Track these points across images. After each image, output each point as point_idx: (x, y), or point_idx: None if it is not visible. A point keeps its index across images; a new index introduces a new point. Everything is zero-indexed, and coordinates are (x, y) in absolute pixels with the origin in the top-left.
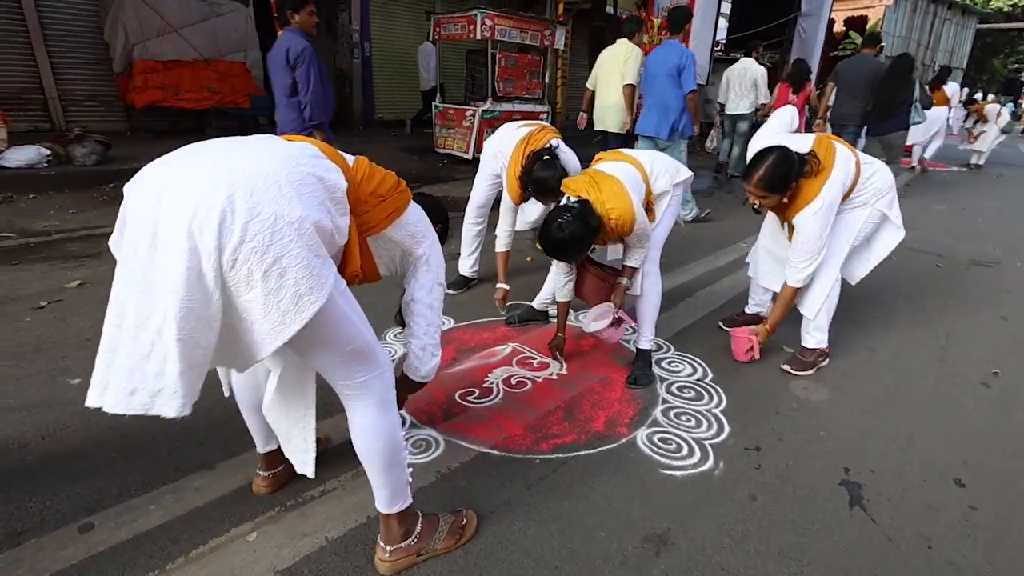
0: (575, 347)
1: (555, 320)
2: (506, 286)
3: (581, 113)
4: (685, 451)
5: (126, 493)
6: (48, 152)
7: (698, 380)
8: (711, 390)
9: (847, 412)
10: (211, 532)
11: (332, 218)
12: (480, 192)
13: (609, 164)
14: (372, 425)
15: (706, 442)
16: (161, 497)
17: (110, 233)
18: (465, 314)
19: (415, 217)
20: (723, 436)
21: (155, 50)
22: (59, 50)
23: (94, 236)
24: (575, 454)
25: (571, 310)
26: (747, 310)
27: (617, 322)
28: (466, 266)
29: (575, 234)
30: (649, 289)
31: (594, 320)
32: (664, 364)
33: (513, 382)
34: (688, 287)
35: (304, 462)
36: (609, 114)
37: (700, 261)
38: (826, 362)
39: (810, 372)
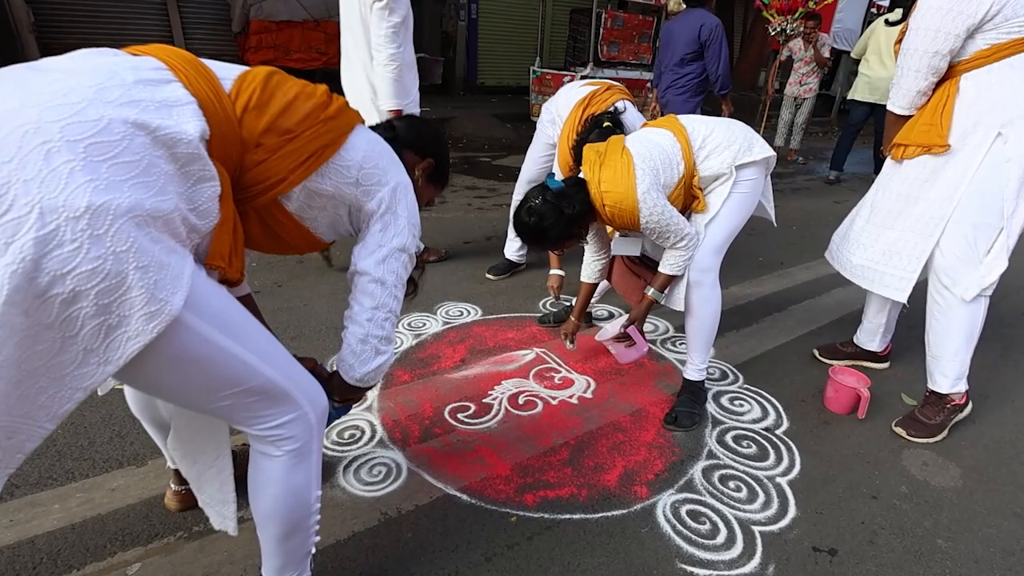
0: (612, 361)
1: (598, 325)
2: (561, 272)
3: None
4: (723, 537)
5: (43, 482)
6: None
7: (766, 429)
8: (782, 447)
9: (989, 512)
10: (94, 554)
11: (176, 195)
12: (532, 164)
13: (641, 134)
14: (277, 485)
15: (757, 528)
16: (72, 495)
17: None
18: (496, 305)
19: (359, 155)
20: (784, 522)
21: (269, 10)
22: (189, 11)
23: None
24: (566, 516)
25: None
26: (857, 340)
27: (624, 338)
28: (512, 249)
29: (544, 221)
30: (699, 305)
31: (606, 332)
32: (724, 400)
33: (521, 401)
34: (783, 298)
35: (223, 516)
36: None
37: (808, 264)
38: (963, 415)
39: (937, 439)
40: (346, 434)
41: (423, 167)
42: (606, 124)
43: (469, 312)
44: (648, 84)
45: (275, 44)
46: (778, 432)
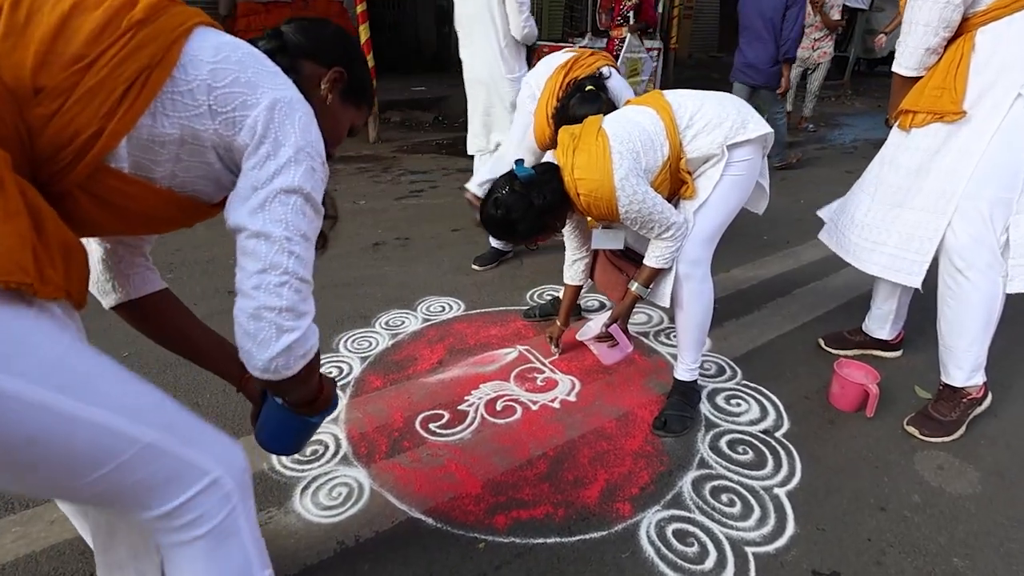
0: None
1: (587, 317)
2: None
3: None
4: (711, 561)
5: None
6: None
7: (764, 432)
8: (781, 453)
9: (1012, 523)
10: None
11: None
12: (517, 143)
13: (619, 113)
14: None
15: (750, 549)
16: (8, 529)
17: None
18: (481, 299)
19: (205, 69)
20: (782, 541)
21: None
22: None
23: None
24: (540, 541)
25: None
26: (866, 327)
27: (606, 337)
28: None
29: (512, 213)
30: (689, 300)
31: (588, 331)
32: (720, 399)
33: (499, 407)
34: (787, 280)
35: None
36: None
37: (816, 242)
38: (981, 408)
39: (953, 437)
40: (308, 451)
41: (330, 79)
42: (589, 88)
43: (451, 307)
44: (650, 54)
45: (264, 27)
46: (778, 435)
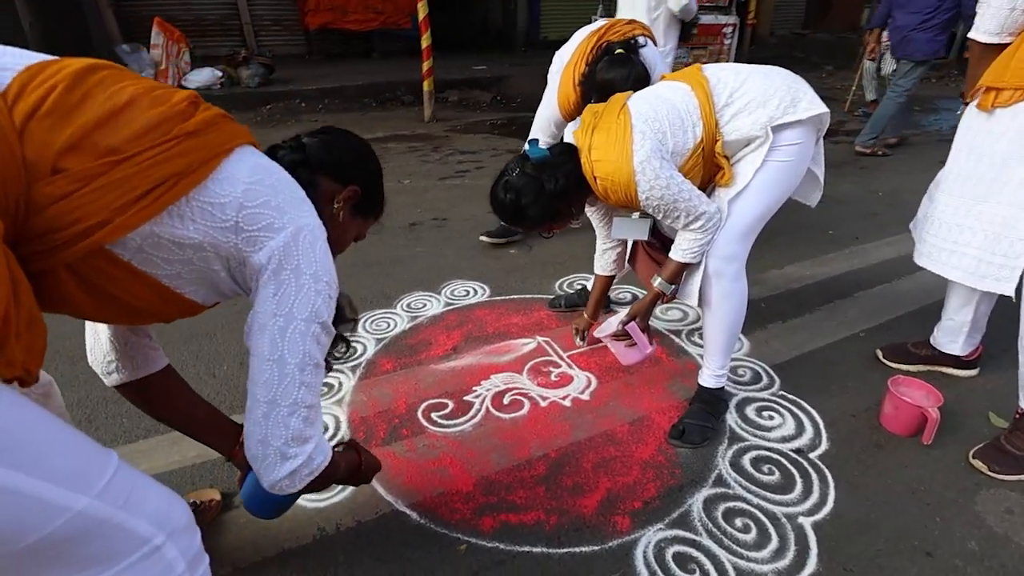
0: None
1: (615, 311)
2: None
3: None
4: None
5: None
6: (221, 74)
7: (797, 451)
8: (813, 476)
9: None
10: None
11: None
12: (545, 119)
13: (649, 90)
14: None
15: None
16: None
17: None
18: (508, 284)
19: (239, 188)
20: None
21: None
22: None
23: None
24: (525, 549)
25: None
26: (935, 340)
27: (624, 336)
28: None
29: (522, 197)
30: (719, 301)
31: (606, 327)
32: (750, 410)
33: (506, 400)
34: (850, 281)
35: None
36: None
37: (891, 240)
38: None
39: None
40: None
41: (344, 197)
42: (618, 51)
43: (476, 292)
44: (724, 31)
45: (332, 6)
46: (812, 456)
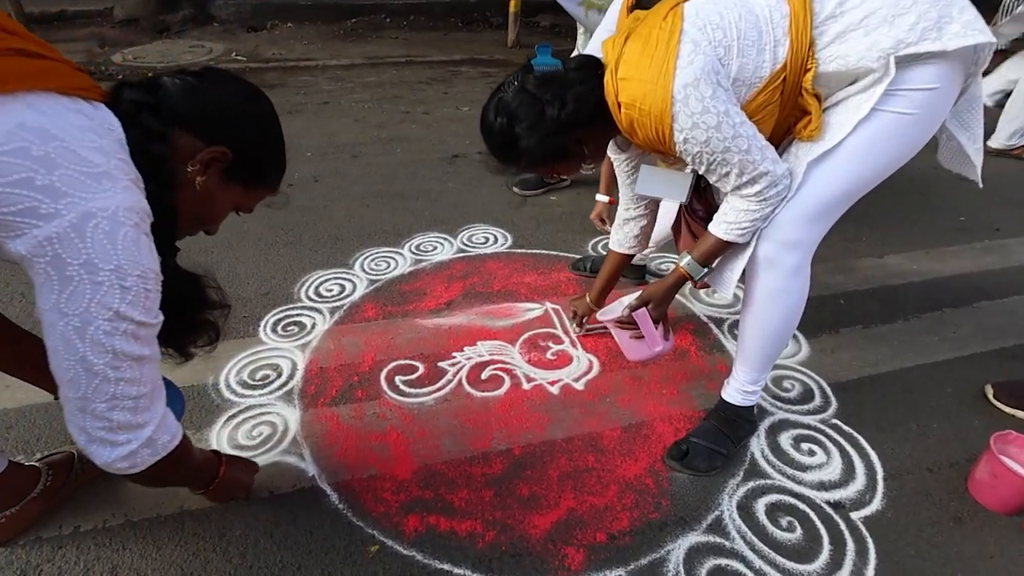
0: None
1: (649, 283)
2: (606, 198)
3: None
4: None
5: None
6: None
7: (834, 504)
8: (850, 545)
9: None
10: None
11: None
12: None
13: None
14: None
15: None
16: None
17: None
18: (535, 236)
19: None
20: None
21: None
22: None
23: (301, 67)
24: (445, 567)
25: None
26: None
27: (630, 324)
28: None
29: (515, 123)
30: (765, 299)
31: (611, 310)
32: (786, 437)
33: (485, 375)
34: (973, 284)
35: None
36: None
37: None
38: None
39: None
40: (259, 374)
41: (204, 159)
42: None
43: (496, 240)
44: None
45: None
46: (856, 516)
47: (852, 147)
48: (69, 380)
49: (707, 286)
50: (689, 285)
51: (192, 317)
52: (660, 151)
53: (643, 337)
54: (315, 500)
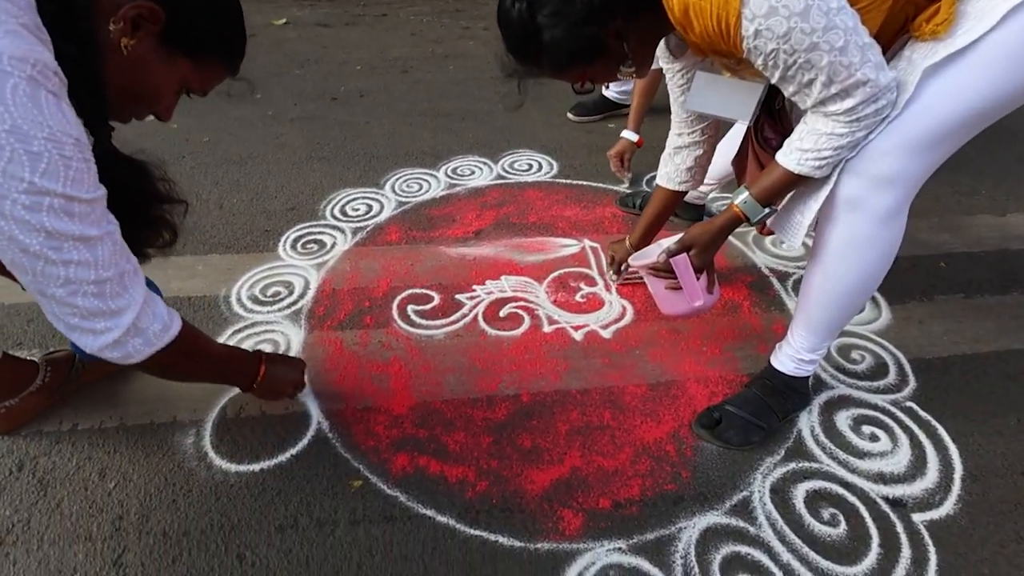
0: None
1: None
2: (634, 136)
3: None
4: None
5: None
6: None
7: (893, 502)
8: (904, 551)
9: None
10: None
11: None
12: None
13: None
14: None
15: None
16: None
17: None
18: (584, 166)
19: None
20: None
21: None
22: None
23: None
24: (428, 513)
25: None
26: None
27: (667, 272)
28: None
29: (538, 9)
30: (844, 248)
31: (645, 254)
32: (843, 416)
33: (503, 313)
34: None
35: None
36: None
37: None
38: None
39: None
40: (271, 291)
41: (126, 16)
42: None
43: (540, 167)
44: None
45: None
46: (919, 518)
47: (993, 48)
48: (11, 263)
49: (771, 233)
50: (751, 230)
51: (141, 212)
52: (722, 52)
53: (681, 288)
54: (305, 425)
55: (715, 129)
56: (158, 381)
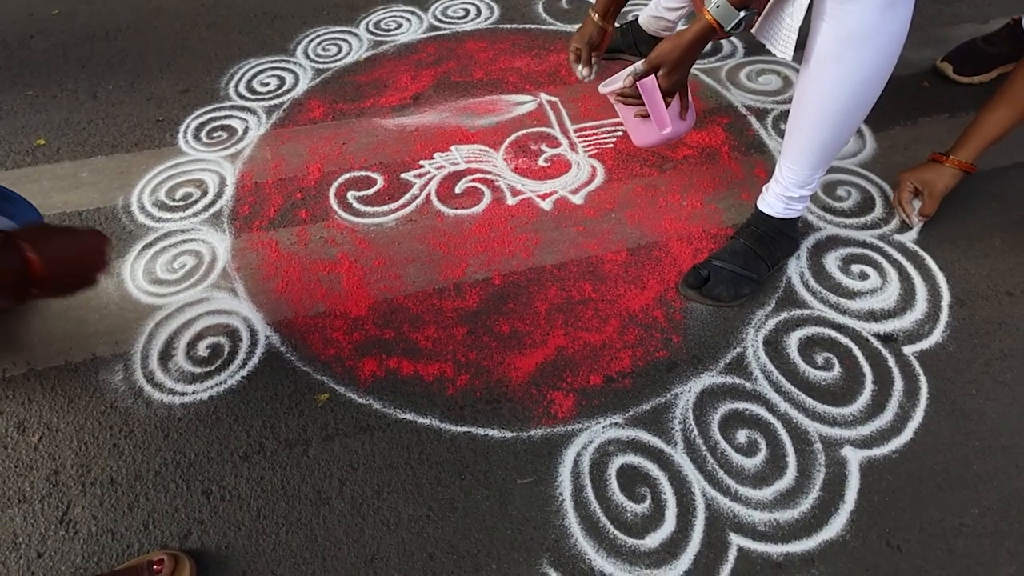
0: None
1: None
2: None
3: None
4: (658, 539)
5: None
6: None
7: (884, 337)
8: (897, 383)
9: None
10: None
11: None
12: None
13: None
14: None
15: (739, 539)
16: None
17: None
18: (532, 7)
19: None
20: (835, 529)
21: None
22: None
23: None
24: (407, 417)
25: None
26: None
27: (635, 98)
28: None
29: None
30: (839, 48)
31: (614, 80)
32: (832, 259)
33: (459, 188)
34: None
35: None
36: None
37: None
38: None
39: None
40: (179, 193)
41: None
42: None
43: (479, 13)
44: None
45: None
46: (909, 350)
47: None
48: None
49: (756, 39)
50: (725, 63)
51: None
52: None
53: (647, 117)
54: (252, 342)
55: None
56: (63, 316)
